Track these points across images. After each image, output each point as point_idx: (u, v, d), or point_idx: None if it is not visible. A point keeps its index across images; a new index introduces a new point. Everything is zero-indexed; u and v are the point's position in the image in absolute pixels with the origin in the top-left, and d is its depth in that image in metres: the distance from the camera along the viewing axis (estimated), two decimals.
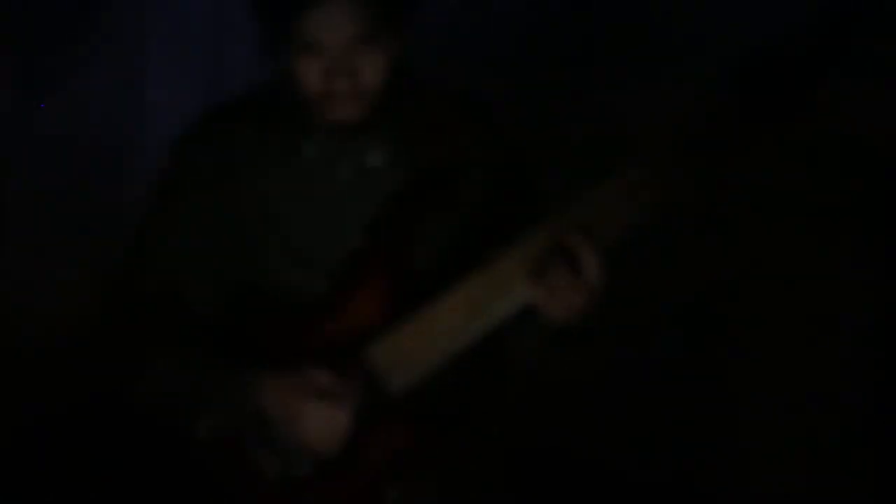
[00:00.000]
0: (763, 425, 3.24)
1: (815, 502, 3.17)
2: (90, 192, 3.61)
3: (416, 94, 1.90)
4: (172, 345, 1.90)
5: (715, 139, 1.70)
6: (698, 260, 3.12)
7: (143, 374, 1.89)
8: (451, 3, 3.18)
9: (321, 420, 1.79)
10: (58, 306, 3.52)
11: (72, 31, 3.52)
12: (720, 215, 2.36)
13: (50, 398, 3.43)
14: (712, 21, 3.17)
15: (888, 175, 3.00)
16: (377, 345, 1.82)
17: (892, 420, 3.09)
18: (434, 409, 1.87)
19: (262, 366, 1.84)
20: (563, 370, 1.92)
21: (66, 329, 3.52)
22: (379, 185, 1.88)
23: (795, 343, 3.17)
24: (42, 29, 3.46)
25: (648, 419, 3.36)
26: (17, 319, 3.49)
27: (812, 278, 3.11)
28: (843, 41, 1.63)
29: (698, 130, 1.70)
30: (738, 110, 1.68)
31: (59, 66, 3.52)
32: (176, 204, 1.93)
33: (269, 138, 1.90)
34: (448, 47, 2.77)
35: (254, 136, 1.91)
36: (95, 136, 3.59)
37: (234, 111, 1.95)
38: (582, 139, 3.04)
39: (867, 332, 3.10)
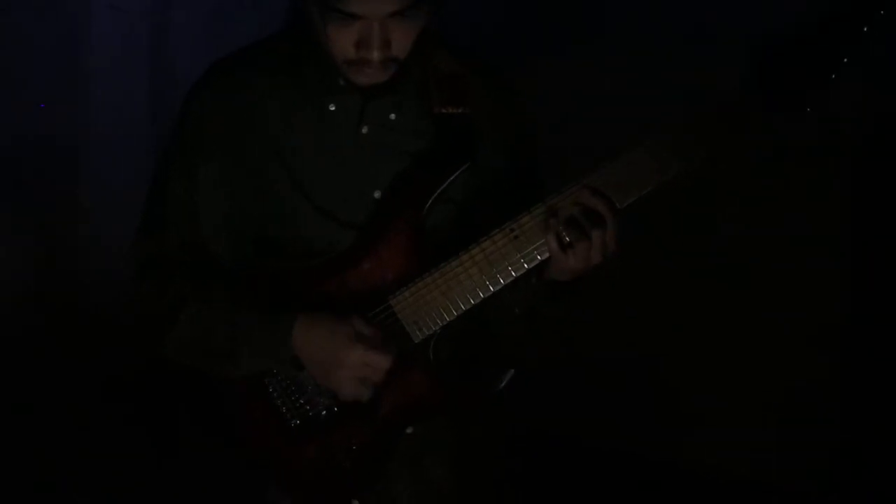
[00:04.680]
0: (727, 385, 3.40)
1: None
2: (39, 186, 3.65)
3: (435, 52, 1.92)
4: (203, 290, 1.92)
5: (731, 119, 1.78)
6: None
7: (177, 320, 1.91)
8: None
9: (361, 368, 1.83)
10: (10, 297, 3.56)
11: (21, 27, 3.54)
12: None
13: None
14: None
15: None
16: (400, 295, 1.86)
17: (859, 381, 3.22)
18: (451, 359, 1.92)
19: (291, 313, 1.86)
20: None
21: (19, 319, 3.56)
22: (400, 140, 1.91)
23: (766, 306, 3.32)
24: None
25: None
26: None
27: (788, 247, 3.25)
28: (857, 35, 1.70)
29: (716, 109, 1.78)
30: (755, 94, 1.76)
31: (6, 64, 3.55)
32: (188, 154, 1.93)
33: (289, 91, 1.91)
34: None
35: (270, 87, 1.91)
36: (42, 133, 3.62)
37: (244, 62, 1.95)
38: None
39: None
